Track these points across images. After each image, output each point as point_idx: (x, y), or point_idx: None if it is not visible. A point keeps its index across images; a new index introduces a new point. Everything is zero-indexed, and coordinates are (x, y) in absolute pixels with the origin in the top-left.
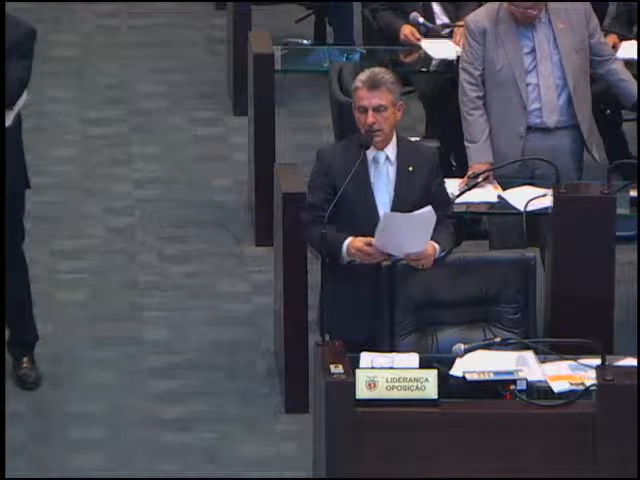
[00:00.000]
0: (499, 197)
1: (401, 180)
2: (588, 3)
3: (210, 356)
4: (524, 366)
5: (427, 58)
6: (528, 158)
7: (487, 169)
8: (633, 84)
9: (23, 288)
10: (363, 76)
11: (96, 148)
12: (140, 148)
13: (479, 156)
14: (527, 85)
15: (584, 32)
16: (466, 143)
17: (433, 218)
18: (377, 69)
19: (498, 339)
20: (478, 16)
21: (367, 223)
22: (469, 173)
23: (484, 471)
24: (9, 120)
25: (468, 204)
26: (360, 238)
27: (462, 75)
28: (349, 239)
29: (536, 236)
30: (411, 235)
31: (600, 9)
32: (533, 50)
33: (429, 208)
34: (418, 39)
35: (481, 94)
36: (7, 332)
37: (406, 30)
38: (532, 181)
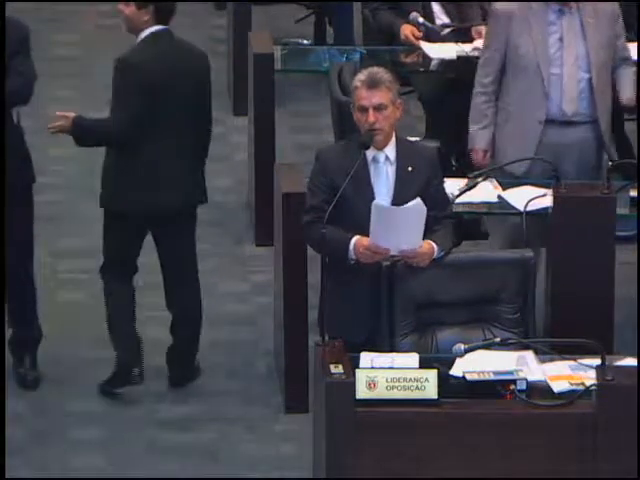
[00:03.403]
0: (499, 197)
1: (401, 180)
2: (617, 4)
3: (210, 356)
4: (524, 366)
5: (427, 58)
6: (528, 158)
7: (483, 158)
8: (629, 89)
9: (29, 285)
10: (362, 76)
11: (96, 148)
12: None
13: (472, 142)
14: (550, 73)
15: (611, 31)
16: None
17: (423, 211)
18: (375, 68)
19: (498, 339)
20: (507, 2)
21: (367, 223)
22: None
23: (484, 471)
24: (14, 115)
25: (468, 204)
26: (365, 240)
27: (480, 58)
28: (356, 237)
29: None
30: (403, 229)
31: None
32: (560, 39)
33: (418, 200)
34: (418, 39)
35: (491, 79)
36: (9, 331)
37: (406, 30)
38: (534, 181)
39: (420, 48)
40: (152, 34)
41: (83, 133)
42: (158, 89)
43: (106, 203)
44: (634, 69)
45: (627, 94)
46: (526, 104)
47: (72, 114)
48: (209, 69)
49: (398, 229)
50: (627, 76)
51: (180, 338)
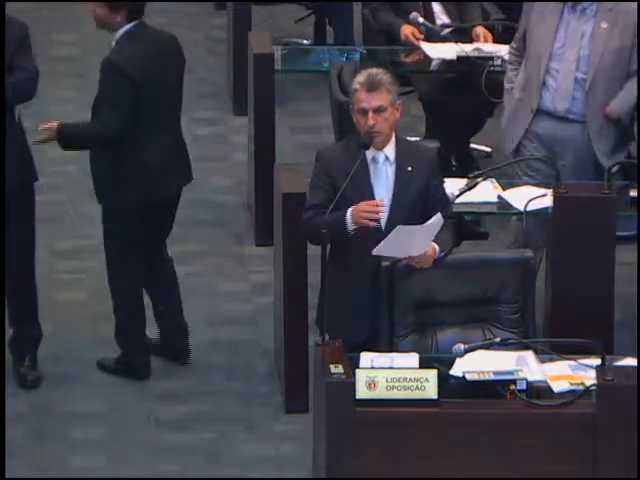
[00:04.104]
0: (499, 197)
1: (400, 180)
2: None
3: (210, 356)
4: (524, 366)
5: (427, 58)
6: (528, 158)
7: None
8: (615, 101)
9: (30, 284)
10: (361, 78)
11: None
12: None
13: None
14: (548, 67)
15: (627, 40)
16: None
17: (440, 224)
18: (374, 70)
19: (498, 339)
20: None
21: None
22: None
23: (484, 471)
24: (16, 114)
25: (468, 204)
26: (362, 203)
27: None
28: (350, 208)
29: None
30: (416, 241)
31: None
32: (565, 36)
33: (439, 216)
34: (418, 39)
35: (516, 52)
36: (10, 331)
37: (407, 30)
38: (534, 181)
39: (420, 48)
40: (131, 31)
41: (71, 137)
42: (147, 83)
43: (108, 200)
44: (634, 84)
45: (611, 104)
46: (526, 91)
47: (55, 123)
48: (182, 50)
49: (412, 242)
50: (624, 88)
51: (167, 314)
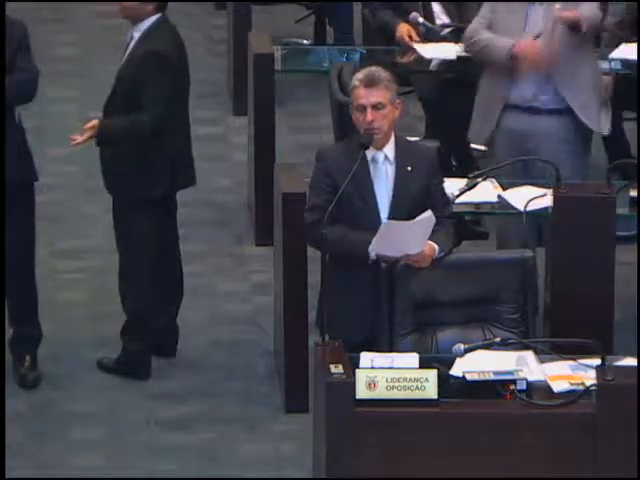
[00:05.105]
0: (499, 197)
1: (400, 180)
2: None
3: (210, 356)
4: (524, 366)
5: (427, 58)
6: (528, 158)
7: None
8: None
9: (30, 284)
10: (360, 75)
11: (96, 148)
12: None
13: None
14: None
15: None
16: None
17: (432, 221)
18: (374, 67)
19: (498, 339)
20: None
21: (368, 222)
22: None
23: (484, 471)
24: (16, 114)
25: (468, 204)
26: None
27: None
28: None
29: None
30: (410, 239)
31: (600, 8)
32: (527, 25)
33: (429, 213)
34: (413, 40)
35: (475, 27)
36: (10, 331)
37: (402, 29)
38: (532, 181)
39: (414, 49)
40: (158, 23)
41: (112, 132)
42: (179, 76)
43: (135, 193)
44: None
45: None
46: (494, 83)
47: (96, 121)
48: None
49: (404, 240)
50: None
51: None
